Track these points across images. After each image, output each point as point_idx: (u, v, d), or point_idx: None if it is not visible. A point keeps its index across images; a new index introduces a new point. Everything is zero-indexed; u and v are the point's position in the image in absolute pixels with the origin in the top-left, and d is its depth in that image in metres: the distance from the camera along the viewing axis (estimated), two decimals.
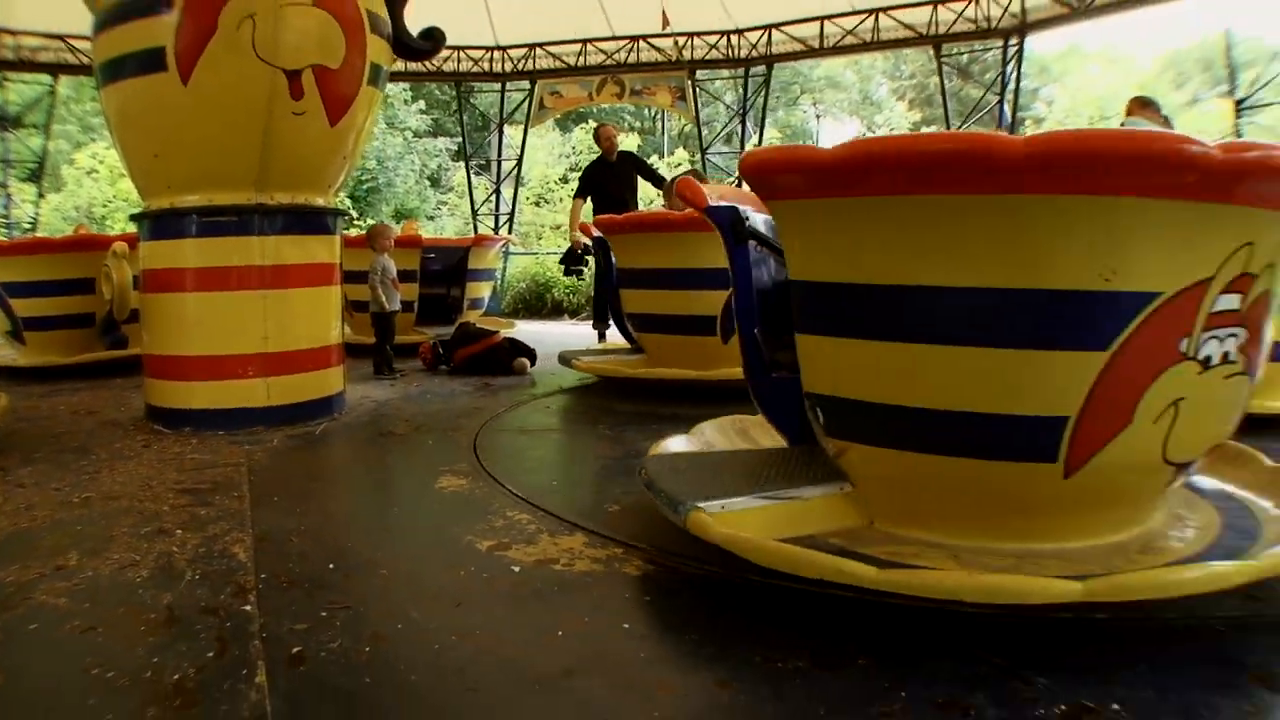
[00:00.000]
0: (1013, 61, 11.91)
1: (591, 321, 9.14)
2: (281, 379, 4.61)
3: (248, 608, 2.32)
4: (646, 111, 27.89)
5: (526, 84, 13.64)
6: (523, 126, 14.48)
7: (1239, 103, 9.82)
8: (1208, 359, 2.14)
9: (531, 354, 6.84)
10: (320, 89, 4.41)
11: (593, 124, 15.58)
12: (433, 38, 5.40)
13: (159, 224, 4.65)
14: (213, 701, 1.81)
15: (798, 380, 2.58)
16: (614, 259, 6.23)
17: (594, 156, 8.87)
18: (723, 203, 3.16)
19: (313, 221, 4.76)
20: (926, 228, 2.09)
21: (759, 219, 3.16)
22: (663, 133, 31.25)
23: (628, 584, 2.48)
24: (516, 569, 2.57)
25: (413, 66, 11.22)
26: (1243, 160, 1.93)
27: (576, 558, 2.64)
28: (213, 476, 3.67)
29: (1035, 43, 25.30)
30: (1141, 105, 4.84)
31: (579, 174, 9.32)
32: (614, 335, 7.62)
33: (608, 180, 8.24)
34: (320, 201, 4.82)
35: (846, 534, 2.39)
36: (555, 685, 1.90)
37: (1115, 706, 1.74)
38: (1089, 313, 2.01)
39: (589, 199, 8.34)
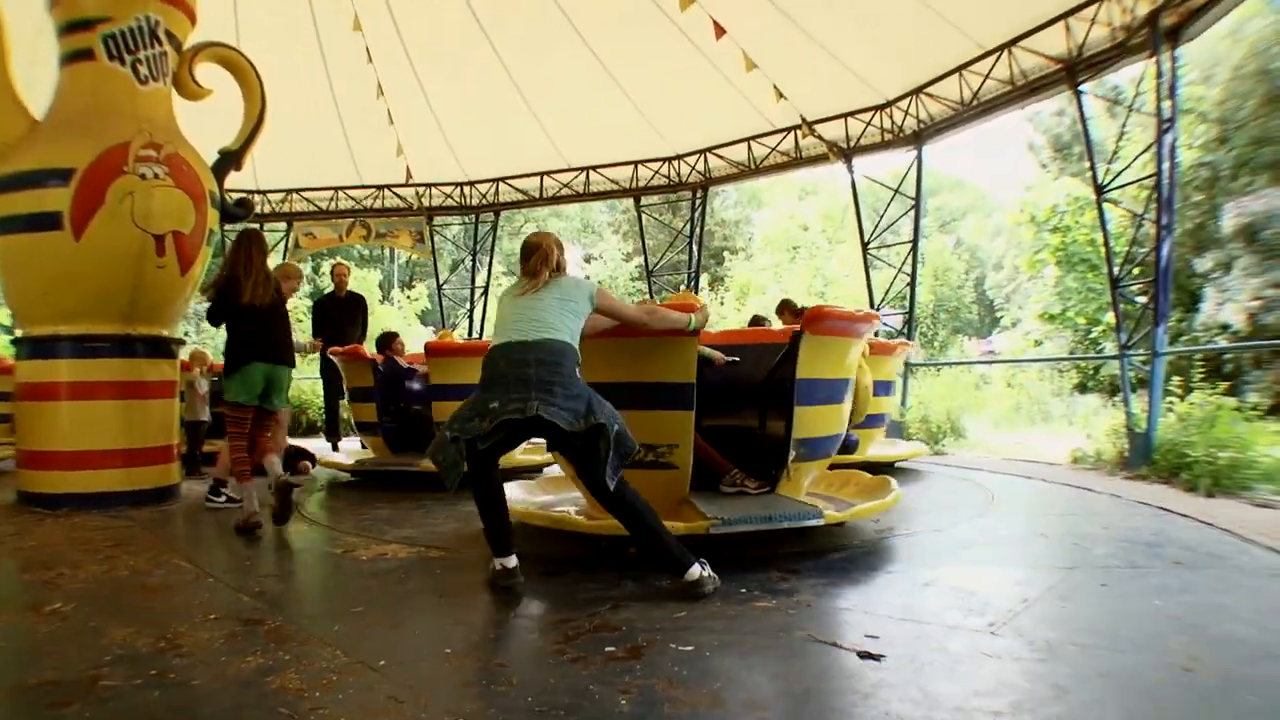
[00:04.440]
0: (699, 209, 14.59)
1: (325, 433, 10.09)
2: (139, 469, 5.86)
3: (211, 580, 3.79)
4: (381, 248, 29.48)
5: (284, 225, 14.85)
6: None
7: (865, 243, 12.77)
8: None
9: (312, 458, 8.25)
10: (177, 248, 5.89)
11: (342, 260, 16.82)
12: (244, 205, 6.95)
13: (39, 347, 5.83)
14: (220, 605, 3.36)
15: None
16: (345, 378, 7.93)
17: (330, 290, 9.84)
18: None
19: (163, 348, 6.13)
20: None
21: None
22: (392, 260, 33.12)
23: (430, 564, 4.24)
24: (364, 557, 4.23)
25: None
26: None
27: (397, 553, 4.32)
28: (116, 534, 4.84)
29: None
30: (790, 310, 6.97)
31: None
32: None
33: (338, 313, 9.28)
34: (167, 332, 6.20)
35: None
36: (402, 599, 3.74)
37: None
38: None
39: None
